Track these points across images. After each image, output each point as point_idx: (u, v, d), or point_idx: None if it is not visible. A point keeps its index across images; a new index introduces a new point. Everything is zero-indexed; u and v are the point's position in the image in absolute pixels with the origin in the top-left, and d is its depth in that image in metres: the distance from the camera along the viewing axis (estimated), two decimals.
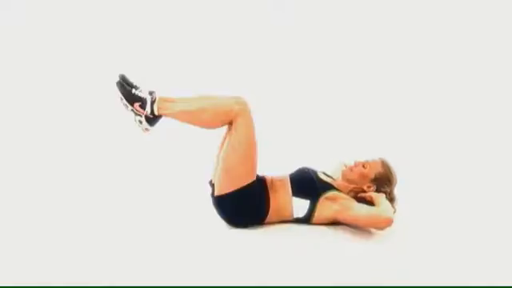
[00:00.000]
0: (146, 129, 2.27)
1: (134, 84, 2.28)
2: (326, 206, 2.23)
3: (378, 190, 2.29)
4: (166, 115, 2.24)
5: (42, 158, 3.05)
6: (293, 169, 2.42)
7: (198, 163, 2.64)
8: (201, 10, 4.15)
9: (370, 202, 2.27)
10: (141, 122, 2.24)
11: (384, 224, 2.13)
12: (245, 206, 2.24)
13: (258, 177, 2.30)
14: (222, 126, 2.23)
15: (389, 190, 2.30)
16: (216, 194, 2.25)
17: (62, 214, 2.33)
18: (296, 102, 3.87)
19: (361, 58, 4.07)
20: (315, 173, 2.37)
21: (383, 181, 2.29)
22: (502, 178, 2.92)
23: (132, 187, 2.68)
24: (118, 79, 2.23)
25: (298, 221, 2.27)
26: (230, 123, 2.20)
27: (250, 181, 2.22)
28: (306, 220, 2.26)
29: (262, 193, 2.27)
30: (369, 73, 4.04)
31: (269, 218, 2.27)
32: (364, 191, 2.31)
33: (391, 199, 2.31)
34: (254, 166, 2.23)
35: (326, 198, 2.23)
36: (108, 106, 3.49)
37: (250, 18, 4.16)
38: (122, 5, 4.11)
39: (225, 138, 2.28)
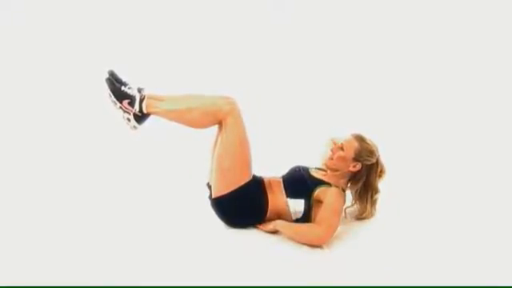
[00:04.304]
0: (134, 126, 2.26)
1: (123, 81, 2.27)
2: (317, 206, 2.22)
3: (364, 165, 2.27)
4: (154, 113, 2.23)
5: (42, 158, 3.05)
6: (289, 168, 2.42)
7: (195, 164, 2.63)
8: (201, 9, 4.15)
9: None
10: (129, 119, 2.23)
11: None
12: (243, 206, 2.23)
13: (255, 177, 2.31)
14: (211, 125, 2.22)
15: (374, 160, 2.28)
16: (214, 196, 2.25)
17: (59, 216, 2.33)
18: (295, 101, 3.87)
19: (359, 56, 4.07)
20: (307, 170, 2.35)
21: (364, 154, 2.26)
22: (496, 176, 2.91)
23: (129, 189, 2.67)
24: (107, 76, 2.21)
25: (298, 222, 2.25)
26: (220, 123, 2.20)
27: (246, 180, 2.22)
28: (306, 220, 2.24)
29: (260, 193, 2.27)
30: (367, 71, 4.04)
31: (268, 218, 2.27)
32: (353, 172, 2.28)
33: (381, 170, 2.30)
34: (248, 166, 2.23)
35: (316, 199, 2.22)
36: (107, 106, 3.50)
37: (250, 16, 4.16)
38: (121, 4, 4.11)
39: (217, 139, 2.27)
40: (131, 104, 2.20)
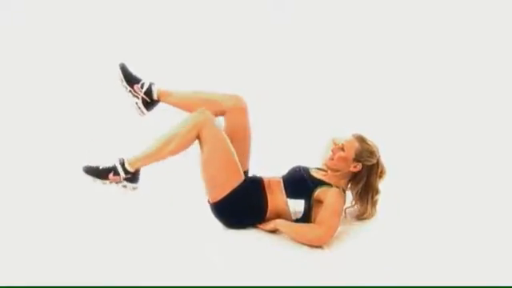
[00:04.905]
0: (133, 188, 2.28)
1: (134, 74, 2.40)
2: (317, 207, 2.22)
3: (364, 166, 2.27)
4: (141, 166, 2.25)
5: (42, 159, 3.05)
6: (289, 168, 2.42)
7: (194, 163, 2.63)
8: (201, 9, 4.15)
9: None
10: (125, 186, 2.26)
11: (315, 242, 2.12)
12: (242, 207, 2.24)
13: (255, 177, 2.34)
14: (195, 140, 2.22)
15: (375, 161, 2.28)
16: (211, 201, 2.27)
17: (59, 218, 2.33)
18: (295, 100, 3.87)
19: (359, 56, 4.07)
20: (307, 170, 2.35)
21: (365, 155, 2.26)
22: (496, 176, 2.91)
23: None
24: (83, 166, 2.22)
25: (298, 222, 2.24)
26: (199, 137, 2.21)
27: (238, 182, 2.24)
28: (306, 220, 2.24)
29: (259, 193, 2.27)
30: (367, 71, 4.04)
31: (268, 218, 2.27)
32: (354, 173, 2.29)
33: (381, 171, 2.30)
34: (235, 168, 2.24)
35: (316, 199, 2.22)
36: (107, 107, 3.50)
37: (250, 16, 4.16)
38: (122, 4, 4.10)
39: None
40: (116, 173, 2.22)
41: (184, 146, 2.21)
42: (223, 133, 2.24)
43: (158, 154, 2.22)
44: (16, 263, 1.95)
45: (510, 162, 3.10)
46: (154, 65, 3.87)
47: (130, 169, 2.22)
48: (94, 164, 2.23)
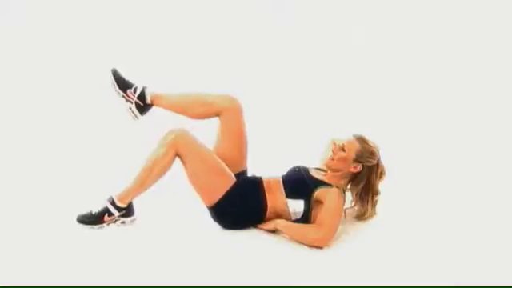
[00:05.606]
0: (132, 220, 2.28)
1: (126, 79, 2.36)
2: (316, 207, 2.22)
3: (364, 167, 2.26)
4: (132, 199, 2.25)
5: (42, 159, 3.05)
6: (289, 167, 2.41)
7: None
8: (203, 11, 4.16)
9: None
10: (123, 222, 2.26)
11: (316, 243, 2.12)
12: (240, 207, 2.24)
13: (254, 178, 2.34)
14: (175, 158, 2.21)
15: (375, 162, 2.28)
16: (208, 206, 2.27)
17: (58, 217, 2.32)
18: (296, 101, 3.87)
19: (360, 57, 4.08)
20: (306, 170, 2.35)
21: (366, 156, 2.26)
22: (495, 176, 2.91)
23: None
24: (76, 216, 2.22)
25: (297, 222, 2.24)
26: (178, 155, 2.20)
27: (230, 184, 2.24)
28: (306, 221, 2.23)
29: (258, 193, 2.27)
30: (368, 72, 4.05)
31: (267, 218, 2.28)
32: (354, 173, 2.29)
33: (381, 172, 2.30)
34: (223, 172, 2.24)
35: (316, 200, 2.22)
36: (107, 106, 3.49)
37: (251, 18, 4.16)
38: (122, 5, 4.11)
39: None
40: (110, 214, 2.22)
41: (166, 169, 2.20)
42: (199, 142, 2.22)
43: (143, 184, 2.22)
44: (16, 263, 1.95)
45: (510, 162, 3.10)
46: (153, 66, 3.89)
47: (122, 205, 2.23)
48: (85, 211, 2.22)
